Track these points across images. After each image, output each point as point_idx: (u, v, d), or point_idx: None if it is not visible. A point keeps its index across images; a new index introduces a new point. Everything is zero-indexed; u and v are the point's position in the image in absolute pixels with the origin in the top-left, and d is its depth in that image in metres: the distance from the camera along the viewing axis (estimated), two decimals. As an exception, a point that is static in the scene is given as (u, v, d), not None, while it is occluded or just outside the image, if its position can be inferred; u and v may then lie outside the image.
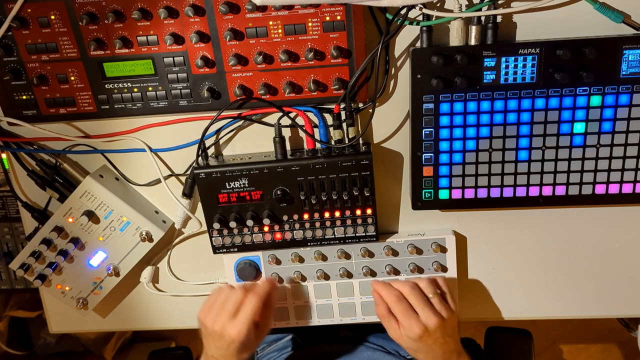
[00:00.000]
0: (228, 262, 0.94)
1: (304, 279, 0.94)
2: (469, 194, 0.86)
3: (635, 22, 0.77)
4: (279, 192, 0.85)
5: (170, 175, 0.92)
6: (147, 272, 0.99)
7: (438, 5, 0.78)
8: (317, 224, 0.89)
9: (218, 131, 0.88)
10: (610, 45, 0.76)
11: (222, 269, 0.96)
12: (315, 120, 0.85)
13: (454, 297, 0.87)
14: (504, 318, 1.01)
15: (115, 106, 0.85)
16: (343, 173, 0.84)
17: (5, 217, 1.22)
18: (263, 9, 0.77)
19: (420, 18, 0.77)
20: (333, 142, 0.85)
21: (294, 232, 0.89)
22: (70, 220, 0.91)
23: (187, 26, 0.79)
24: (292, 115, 0.84)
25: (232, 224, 0.86)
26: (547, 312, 0.99)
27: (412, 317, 0.82)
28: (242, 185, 0.85)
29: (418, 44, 0.80)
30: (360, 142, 0.85)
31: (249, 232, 0.89)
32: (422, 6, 0.75)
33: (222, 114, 0.84)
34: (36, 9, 0.79)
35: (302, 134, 0.87)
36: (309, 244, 0.90)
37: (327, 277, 0.94)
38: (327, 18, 0.78)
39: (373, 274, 0.94)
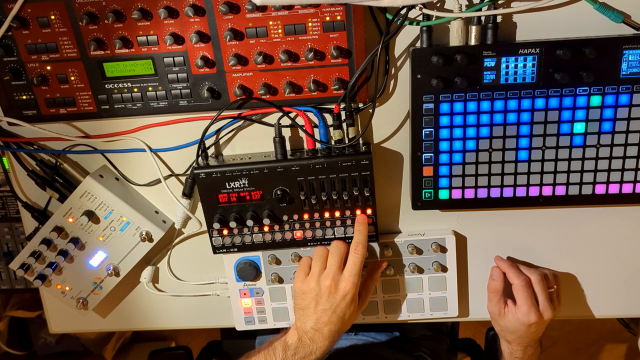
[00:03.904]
0: (228, 262, 0.94)
1: (304, 279, 0.94)
2: (469, 194, 0.86)
3: (635, 22, 0.77)
4: (279, 192, 0.85)
5: (170, 175, 0.92)
6: (147, 272, 0.99)
7: (438, 5, 0.78)
8: (317, 224, 0.89)
9: (218, 131, 0.88)
10: (610, 45, 0.76)
11: (222, 269, 0.96)
12: (315, 120, 0.85)
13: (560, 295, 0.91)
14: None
15: (115, 106, 0.85)
16: (343, 173, 0.84)
17: (5, 217, 1.22)
18: (263, 9, 0.77)
19: (420, 18, 0.77)
20: (333, 142, 0.85)
21: (294, 232, 0.89)
22: (70, 220, 0.91)
23: (187, 26, 0.79)
24: (292, 115, 0.84)
25: (232, 224, 0.86)
26: (547, 312, 0.99)
27: (534, 305, 0.85)
28: (242, 185, 0.85)
29: (418, 44, 0.80)
30: (360, 142, 0.85)
31: (249, 232, 0.89)
32: (422, 6, 0.75)
33: (222, 114, 0.84)
34: (36, 9, 0.79)
35: (302, 134, 0.87)
36: (309, 244, 0.90)
37: (327, 277, 0.94)
38: (327, 18, 0.78)
39: (373, 274, 0.94)
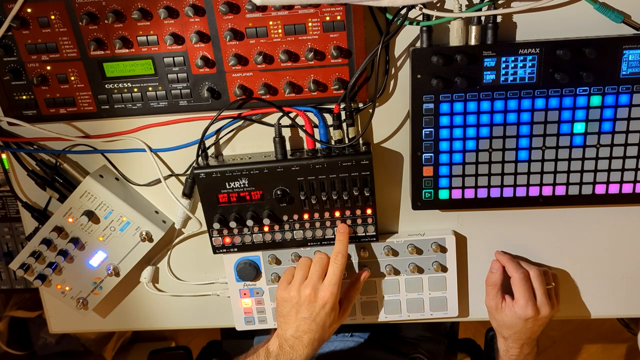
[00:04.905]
0: (228, 262, 0.94)
1: (304, 279, 0.94)
2: (469, 194, 0.86)
3: (635, 22, 0.77)
4: (279, 192, 0.85)
5: (170, 175, 0.92)
6: (147, 272, 0.99)
7: (438, 5, 0.78)
8: (317, 224, 0.89)
9: (218, 131, 0.88)
10: (610, 45, 0.76)
11: (222, 269, 0.96)
12: (315, 120, 0.85)
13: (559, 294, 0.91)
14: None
15: (115, 106, 0.85)
16: (343, 173, 0.84)
17: (5, 217, 1.22)
18: (263, 9, 0.77)
19: (420, 18, 0.77)
20: (333, 142, 0.85)
21: (294, 232, 0.89)
22: (70, 220, 0.91)
23: (187, 26, 0.79)
24: (292, 115, 0.84)
25: (232, 224, 0.86)
26: (547, 312, 0.99)
27: (531, 299, 0.85)
28: (242, 185, 0.85)
29: (418, 44, 0.80)
30: (360, 142, 0.85)
31: (249, 232, 0.89)
32: (422, 6, 0.75)
33: (222, 114, 0.84)
34: (36, 9, 0.79)
35: (302, 134, 0.87)
36: (309, 244, 0.90)
37: (327, 277, 0.94)
38: (327, 18, 0.78)
39: (373, 274, 0.93)
